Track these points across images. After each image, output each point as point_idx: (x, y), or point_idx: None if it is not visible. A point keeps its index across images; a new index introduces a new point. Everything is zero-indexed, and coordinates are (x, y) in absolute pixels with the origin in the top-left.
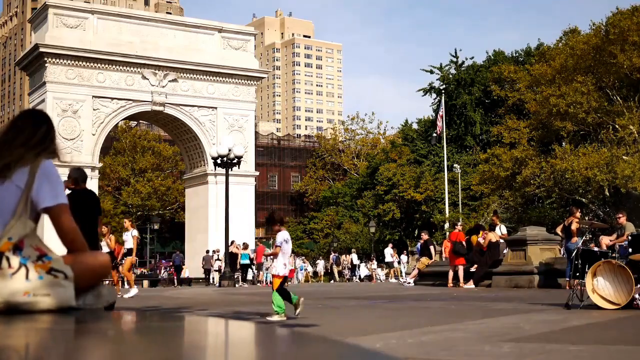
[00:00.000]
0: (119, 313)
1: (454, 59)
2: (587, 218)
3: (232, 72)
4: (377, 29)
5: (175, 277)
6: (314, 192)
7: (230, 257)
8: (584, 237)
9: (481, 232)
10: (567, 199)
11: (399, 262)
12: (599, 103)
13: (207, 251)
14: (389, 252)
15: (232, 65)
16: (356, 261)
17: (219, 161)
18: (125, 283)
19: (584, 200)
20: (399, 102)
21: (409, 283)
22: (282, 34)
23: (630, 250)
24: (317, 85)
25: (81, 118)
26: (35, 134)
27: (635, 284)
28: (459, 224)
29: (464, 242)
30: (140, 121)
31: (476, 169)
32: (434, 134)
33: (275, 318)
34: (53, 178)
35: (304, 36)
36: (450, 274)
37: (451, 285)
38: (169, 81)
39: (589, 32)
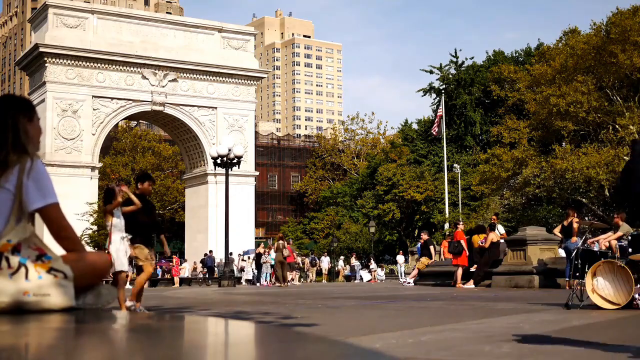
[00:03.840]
0: (118, 313)
1: (454, 59)
2: (587, 218)
3: (232, 72)
4: (377, 29)
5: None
6: (314, 192)
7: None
8: (584, 237)
9: (482, 235)
10: (567, 199)
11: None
12: (599, 103)
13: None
14: None
15: (232, 65)
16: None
17: (219, 161)
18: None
19: (584, 200)
20: (399, 102)
21: (409, 283)
22: (282, 34)
23: (630, 250)
24: (317, 85)
25: (81, 118)
26: (17, 131)
27: (635, 284)
28: (461, 223)
29: (461, 242)
30: (140, 121)
31: (476, 169)
32: (435, 132)
33: None
34: (41, 177)
35: (304, 36)
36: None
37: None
38: (169, 81)
39: (590, 32)
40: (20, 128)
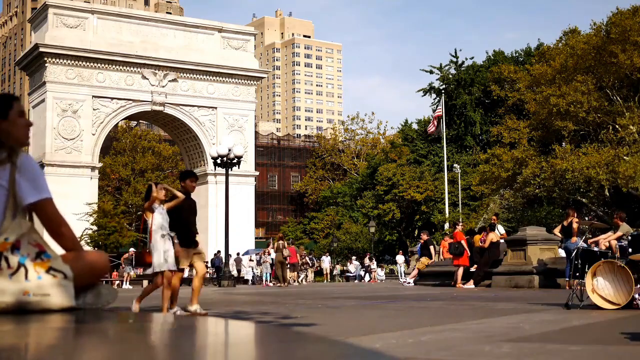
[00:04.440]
0: (119, 313)
1: (454, 59)
2: (587, 218)
3: (232, 72)
4: (377, 29)
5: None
6: (314, 192)
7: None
8: (584, 237)
9: (482, 234)
10: (567, 199)
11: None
12: (599, 103)
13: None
14: None
15: (232, 65)
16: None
17: (218, 161)
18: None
19: (584, 200)
20: (399, 102)
21: (409, 283)
22: (282, 34)
23: (630, 250)
24: (317, 85)
25: (81, 118)
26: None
27: (635, 284)
28: (460, 224)
29: (462, 242)
30: (140, 121)
31: (476, 169)
32: (432, 132)
33: None
34: (33, 172)
35: (304, 36)
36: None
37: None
38: (169, 81)
39: (590, 32)
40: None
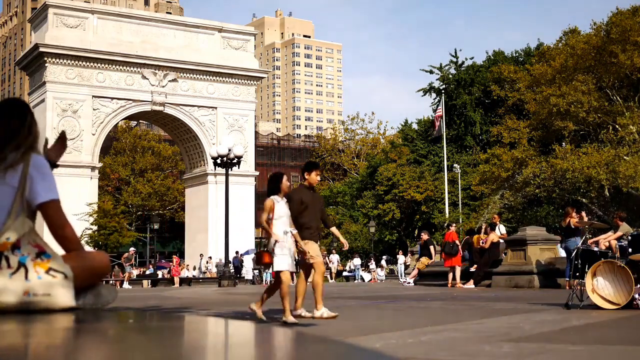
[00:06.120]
0: (118, 313)
1: (454, 59)
2: (587, 218)
3: (232, 72)
4: (377, 29)
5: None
6: None
7: None
8: (584, 237)
9: (484, 235)
10: (567, 199)
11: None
12: (599, 103)
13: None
14: None
15: (232, 65)
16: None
17: (218, 161)
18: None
19: (584, 200)
20: (399, 102)
21: (409, 283)
22: (282, 33)
23: (630, 250)
24: (317, 85)
25: (81, 118)
26: (21, 131)
27: (635, 284)
28: (453, 224)
29: (457, 242)
30: (140, 121)
31: (476, 169)
32: (434, 133)
33: None
34: (45, 173)
35: (304, 36)
36: (450, 274)
37: (451, 285)
38: (169, 81)
39: (590, 31)
40: (36, 129)
